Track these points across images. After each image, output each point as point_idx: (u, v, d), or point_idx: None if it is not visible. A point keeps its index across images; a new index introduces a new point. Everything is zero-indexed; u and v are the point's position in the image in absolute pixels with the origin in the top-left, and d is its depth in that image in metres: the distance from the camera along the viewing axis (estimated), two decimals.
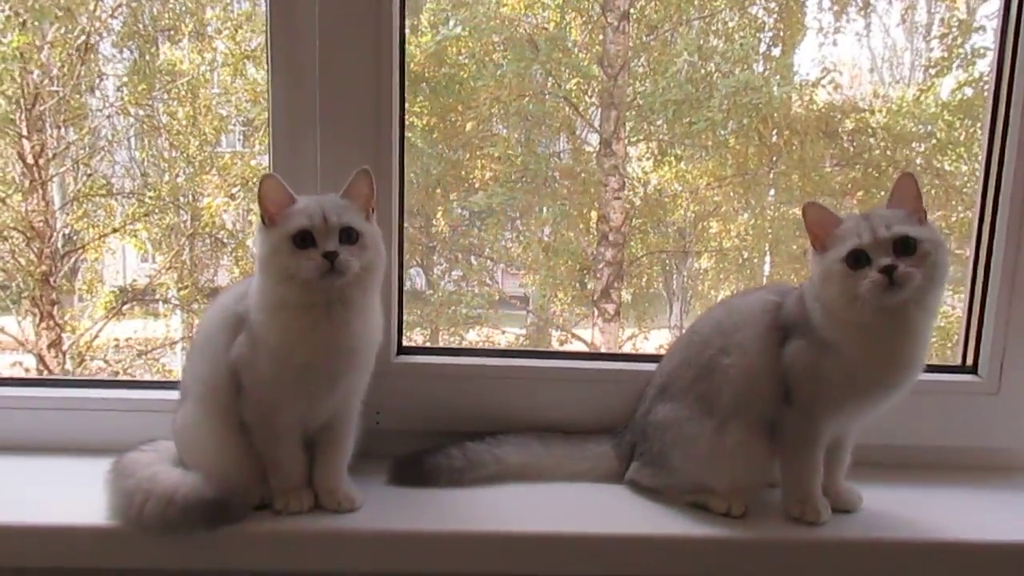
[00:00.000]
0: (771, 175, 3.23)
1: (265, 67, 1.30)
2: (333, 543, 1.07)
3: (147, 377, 3.42)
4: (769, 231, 3.30)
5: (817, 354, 1.08)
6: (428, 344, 3.20)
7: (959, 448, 1.36)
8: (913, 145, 3.08)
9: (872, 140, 3.13)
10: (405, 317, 1.37)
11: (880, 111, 3.11)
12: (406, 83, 1.32)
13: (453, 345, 3.14)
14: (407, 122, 1.34)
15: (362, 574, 1.10)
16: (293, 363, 1.06)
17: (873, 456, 1.24)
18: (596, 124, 3.32)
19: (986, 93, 1.38)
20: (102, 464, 1.13)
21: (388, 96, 1.26)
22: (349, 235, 1.05)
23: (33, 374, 3.17)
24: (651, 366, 1.28)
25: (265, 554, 1.07)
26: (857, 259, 1.04)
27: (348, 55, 1.24)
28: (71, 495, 1.16)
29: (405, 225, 1.35)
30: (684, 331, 1.27)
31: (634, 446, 1.23)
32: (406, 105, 1.33)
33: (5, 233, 3.12)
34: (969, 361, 1.39)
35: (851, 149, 3.16)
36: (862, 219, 1.06)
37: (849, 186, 3.18)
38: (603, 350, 3.18)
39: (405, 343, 1.36)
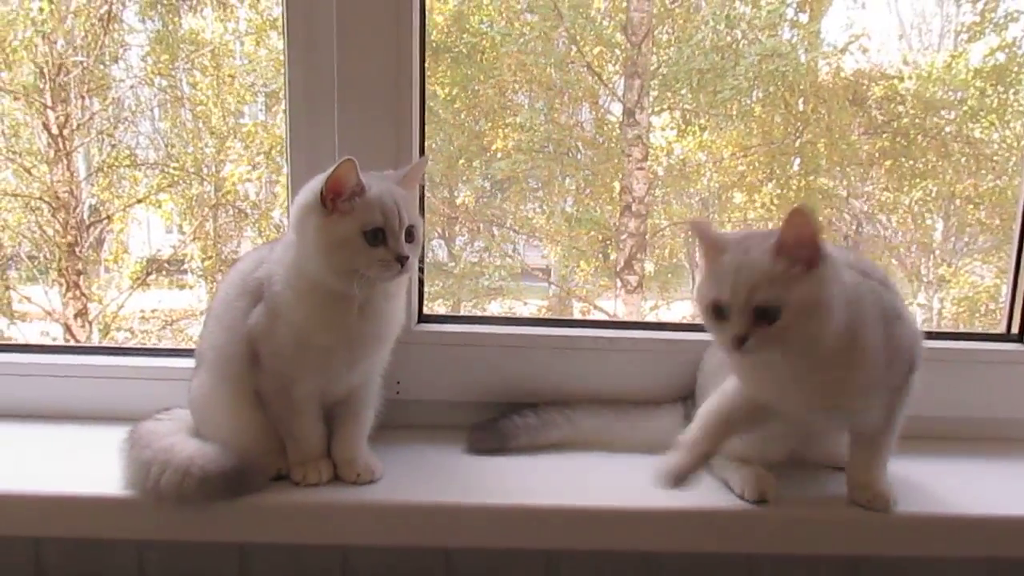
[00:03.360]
0: (797, 144, 3.18)
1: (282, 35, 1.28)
2: (352, 515, 1.06)
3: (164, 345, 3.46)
4: (794, 201, 3.25)
5: None
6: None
7: (1005, 420, 1.34)
8: (943, 112, 3.02)
9: (901, 108, 3.07)
10: (427, 288, 1.36)
11: (910, 77, 3.04)
12: (427, 52, 1.29)
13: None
14: (429, 91, 1.32)
15: (382, 547, 1.10)
16: (313, 344, 1.04)
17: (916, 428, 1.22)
18: (619, 93, 3.28)
19: (1020, 58, 1.34)
20: (114, 432, 1.13)
21: (408, 64, 1.23)
22: (410, 233, 1.04)
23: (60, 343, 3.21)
24: (675, 335, 1.27)
25: (282, 526, 1.07)
26: (719, 311, 0.97)
27: (367, 22, 1.21)
28: (91, 464, 1.17)
29: (427, 195, 1.34)
30: None
31: None
32: (427, 75, 1.31)
33: (32, 204, 3.15)
34: (1015, 329, 1.37)
35: (879, 117, 3.10)
36: (731, 267, 0.96)
37: (877, 155, 3.12)
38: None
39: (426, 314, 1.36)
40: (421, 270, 1.20)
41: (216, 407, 1.11)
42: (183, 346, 3.42)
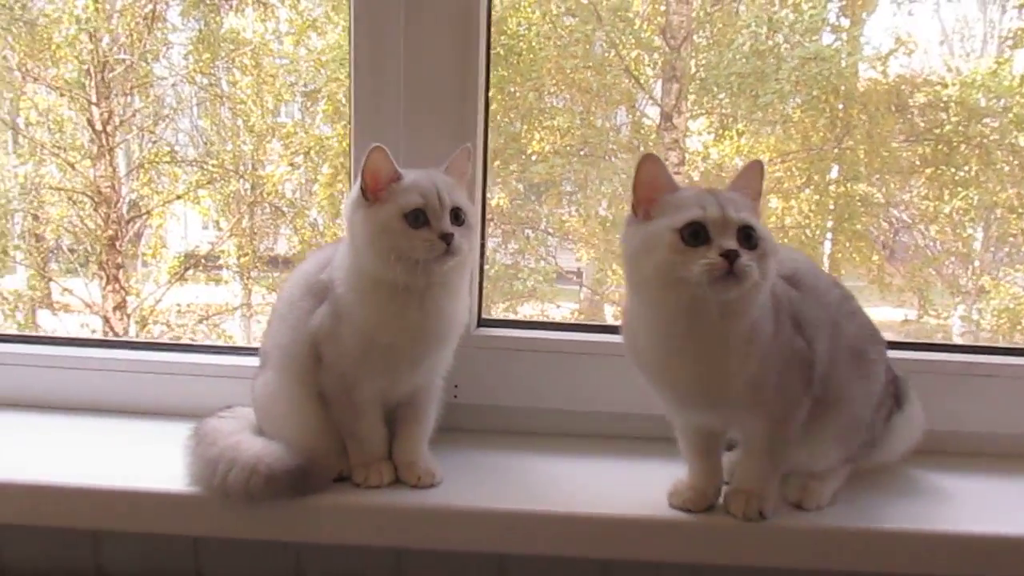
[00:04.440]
0: (835, 150, 3.15)
1: (348, 38, 1.29)
2: (412, 518, 1.06)
3: (207, 342, 3.49)
4: (832, 208, 3.22)
5: None
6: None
7: None
8: (986, 120, 2.98)
9: (944, 115, 3.03)
10: None
11: (953, 84, 3.01)
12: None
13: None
14: None
15: (441, 551, 1.10)
16: (377, 343, 1.05)
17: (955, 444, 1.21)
18: (657, 97, 3.27)
19: None
20: (168, 427, 1.16)
21: (475, 77, 1.24)
22: (458, 216, 1.04)
23: (99, 336, 3.26)
24: None
25: (342, 527, 1.07)
26: (695, 234, 0.91)
27: (434, 34, 1.22)
28: (147, 458, 1.19)
29: None
30: None
31: None
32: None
33: (75, 198, 3.20)
34: None
35: (921, 124, 3.06)
36: (707, 192, 0.95)
37: (918, 163, 3.08)
38: None
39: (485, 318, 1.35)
40: (481, 268, 1.19)
41: (280, 406, 1.12)
42: (220, 343, 3.48)
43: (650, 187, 0.96)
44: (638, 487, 1.14)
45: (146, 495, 1.09)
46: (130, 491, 1.09)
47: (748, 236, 0.92)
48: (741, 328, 0.95)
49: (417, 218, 1.01)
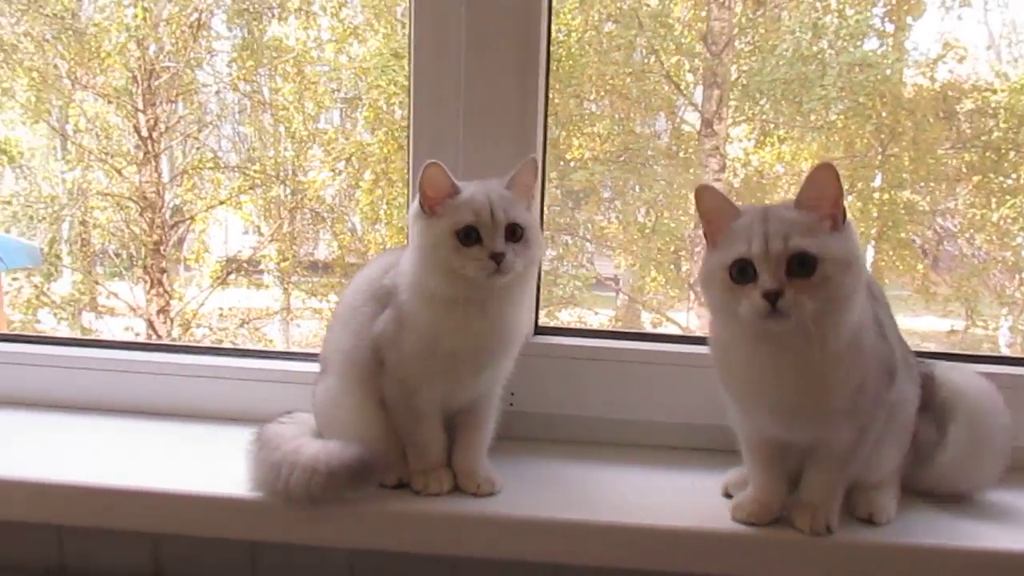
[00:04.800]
0: (879, 157, 3.11)
1: (406, 54, 1.29)
2: (470, 527, 1.05)
3: (248, 345, 3.54)
4: (876, 216, 3.18)
5: None
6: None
7: None
8: None
9: (992, 121, 2.97)
10: None
11: (1002, 90, 2.95)
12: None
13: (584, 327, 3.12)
14: None
15: (500, 560, 1.08)
16: (439, 350, 1.04)
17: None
18: (697, 103, 3.25)
19: None
20: (220, 430, 1.18)
21: (535, 95, 1.24)
22: (514, 232, 1.02)
23: (143, 339, 3.31)
24: None
25: (400, 534, 1.07)
26: (743, 271, 0.89)
27: (494, 51, 1.22)
28: (201, 462, 1.20)
29: None
30: None
31: None
32: None
33: (121, 203, 3.25)
34: None
35: (968, 130, 3.01)
36: (758, 219, 0.90)
37: (964, 170, 3.03)
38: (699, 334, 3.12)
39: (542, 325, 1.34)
40: (539, 277, 1.19)
41: (341, 411, 1.12)
42: (260, 347, 3.52)
43: (713, 217, 0.95)
44: (696, 499, 1.12)
45: (204, 499, 1.09)
46: (189, 495, 1.09)
47: (802, 263, 0.88)
48: (841, 335, 0.91)
49: (469, 235, 1.00)
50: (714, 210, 0.95)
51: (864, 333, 0.94)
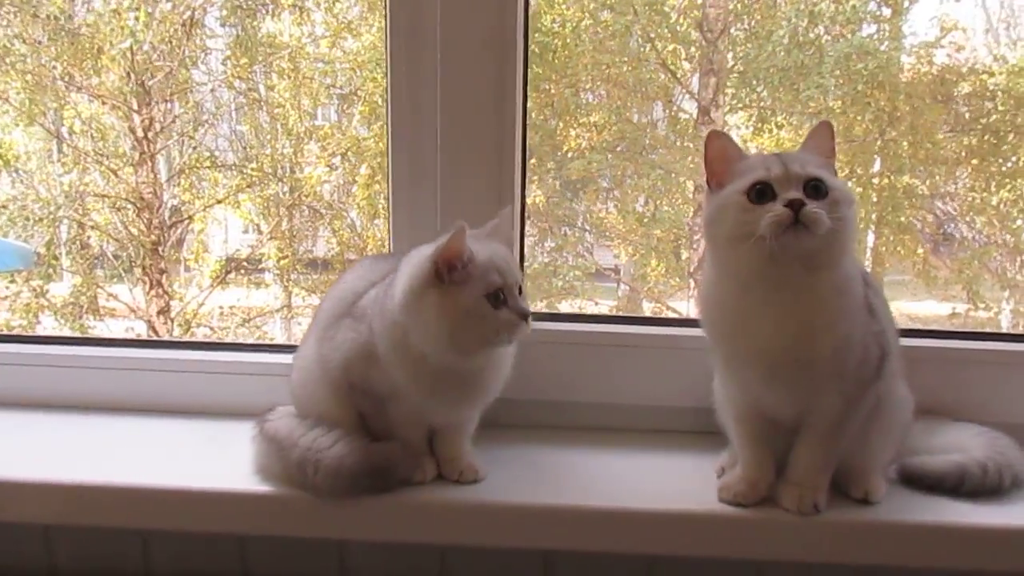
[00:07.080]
0: (878, 142, 3.09)
1: (383, 42, 1.29)
2: (455, 514, 1.06)
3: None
4: (875, 201, 3.16)
5: None
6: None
7: None
8: None
9: (990, 104, 2.95)
10: None
11: (1000, 73, 2.93)
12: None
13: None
14: None
15: (486, 547, 1.09)
16: (425, 413, 1.09)
17: None
18: (694, 91, 3.24)
19: None
20: (198, 425, 1.20)
21: (512, 125, 1.27)
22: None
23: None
24: None
25: (386, 524, 1.07)
26: (761, 193, 0.94)
27: (469, 84, 1.24)
28: (189, 457, 1.21)
29: None
30: None
31: None
32: None
33: (118, 204, 3.25)
34: None
35: (967, 114, 2.99)
36: (772, 155, 0.98)
37: (963, 154, 3.01)
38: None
39: None
40: (522, 265, 1.18)
41: (316, 397, 1.12)
42: (262, 342, 3.51)
43: (719, 160, 0.99)
44: (683, 482, 1.12)
45: (192, 493, 1.09)
46: (176, 489, 1.09)
47: (816, 188, 0.93)
48: (832, 279, 0.96)
49: (497, 298, 0.98)
50: (723, 153, 1.00)
51: (853, 284, 0.98)
